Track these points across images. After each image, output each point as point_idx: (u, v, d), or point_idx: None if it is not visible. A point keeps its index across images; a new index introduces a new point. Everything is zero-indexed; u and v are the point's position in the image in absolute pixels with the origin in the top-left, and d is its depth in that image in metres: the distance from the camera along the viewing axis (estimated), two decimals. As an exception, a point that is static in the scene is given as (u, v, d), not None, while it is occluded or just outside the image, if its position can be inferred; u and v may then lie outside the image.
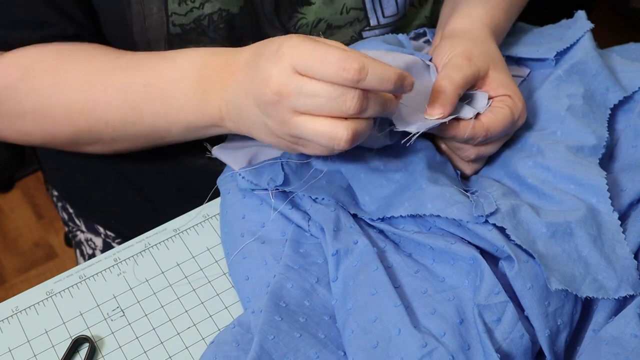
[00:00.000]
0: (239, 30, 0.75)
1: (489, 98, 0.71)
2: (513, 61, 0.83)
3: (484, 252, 0.65)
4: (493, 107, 0.70)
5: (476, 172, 0.75)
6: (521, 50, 0.82)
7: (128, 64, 0.72)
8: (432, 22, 0.87)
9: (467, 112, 0.68)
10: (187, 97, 0.69)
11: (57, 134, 0.75)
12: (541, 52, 0.80)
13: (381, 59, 0.66)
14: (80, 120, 0.73)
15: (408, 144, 0.65)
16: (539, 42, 0.83)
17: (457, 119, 0.67)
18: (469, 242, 0.65)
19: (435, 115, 0.66)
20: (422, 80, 0.72)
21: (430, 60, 0.73)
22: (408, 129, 0.65)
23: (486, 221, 0.64)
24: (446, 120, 0.66)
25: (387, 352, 0.59)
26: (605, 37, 0.99)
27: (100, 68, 0.72)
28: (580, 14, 0.82)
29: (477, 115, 0.69)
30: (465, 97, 0.71)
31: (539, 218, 0.65)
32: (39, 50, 0.73)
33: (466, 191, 0.68)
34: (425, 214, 0.65)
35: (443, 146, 0.73)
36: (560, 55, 0.80)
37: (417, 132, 0.64)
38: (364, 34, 0.82)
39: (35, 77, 0.72)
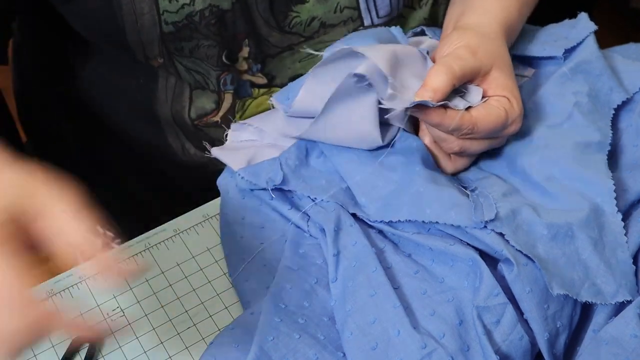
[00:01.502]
0: (231, 27, 0.75)
1: (486, 96, 0.69)
2: (518, 60, 0.82)
3: (483, 254, 0.64)
4: (487, 104, 0.68)
5: (457, 172, 0.73)
6: (527, 48, 0.81)
7: None
8: (430, 24, 0.87)
9: (458, 103, 0.66)
10: None
11: None
12: (548, 51, 0.80)
13: (381, 48, 0.66)
14: None
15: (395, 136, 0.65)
16: (544, 41, 0.82)
17: (446, 107, 0.65)
18: (468, 244, 0.65)
19: (425, 98, 0.64)
20: (416, 71, 0.69)
21: (428, 53, 0.72)
22: (394, 106, 0.63)
23: (485, 227, 0.64)
24: (434, 104, 0.64)
25: (387, 353, 0.59)
26: (605, 37, 0.99)
27: None
28: (583, 15, 0.82)
29: (468, 108, 0.67)
30: (460, 91, 0.69)
31: (540, 219, 0.65)
32: None
33: (465, 188, 0.67)
34: (424, 220, 0.65)
35: (427, 139, 0.71)
36: (567, 52, 0.79)
37: (402, 108, 0.63)
38: None
39: None
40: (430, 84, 0.64)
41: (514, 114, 0.69)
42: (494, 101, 0.68)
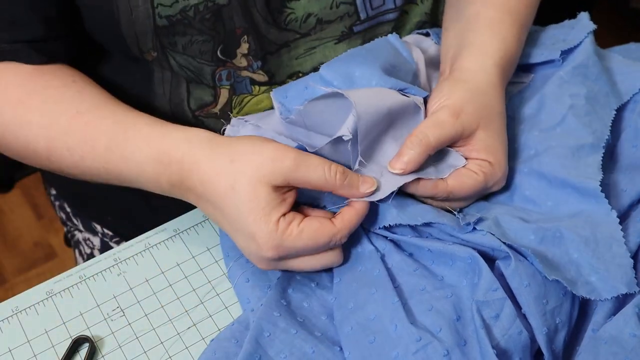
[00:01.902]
0: (228, 22, 0.75)
1: (469, 158, 0.69)
2: (517, 67, 0.82)
3: (480, 254, 0.65)
4: (466, 171, 0.68)
5: None
6: (526, 54, 0.81)
7: (88, 127, 0.71)
8: (432, 19, 0.87)
9: (432, 173, 0.67)
10: (153, 189, 0.70)
11: (20, 159, 0.77)
12: (546, 55, 0.80)
13: (375, 103, 0.65)
14: (44, 161, 0.74)
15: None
16: (543, 44, 0.82)
17: (419, 178, 0.66)
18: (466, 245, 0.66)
19: (395, 170, 0.65)
20: (410, 126, 0.70)
21: (426, 97, 0.71)
22: (374, 198, 0.65)
23: (474, 229, 0.65)
24: (407, 179, 0.65)
25: (384, 347, 0.59)
26: (605, 37, 0.99)
27: (63, 120, 0.72)
28: (583, 15, 0.82)
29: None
30: (441, 152, 0.69)
31: (525, 225, 0.65)
32: (10, 77, 0.74)
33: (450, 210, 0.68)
34: (417, 224, 0.65)
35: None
36: (565, 54, 0.79)
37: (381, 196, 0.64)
38: (355, 28, 0.81)
39: (2, 106, 0.73)
40: (402, 157, 0.65)
41: (495, 178, 0.69)
42: (474, 166, 0.68)
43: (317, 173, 0.62)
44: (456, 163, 0.68)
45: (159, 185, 0.68)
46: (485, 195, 0.72)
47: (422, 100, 0.71)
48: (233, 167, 0.63)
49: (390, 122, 0.68)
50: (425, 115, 0.70)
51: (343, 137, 0.65)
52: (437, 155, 0.68)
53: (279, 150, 0.63)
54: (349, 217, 0.64)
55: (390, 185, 0.65)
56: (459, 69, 0.73)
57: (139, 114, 0.72)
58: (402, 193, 0.67)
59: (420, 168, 0.66)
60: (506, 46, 0.75)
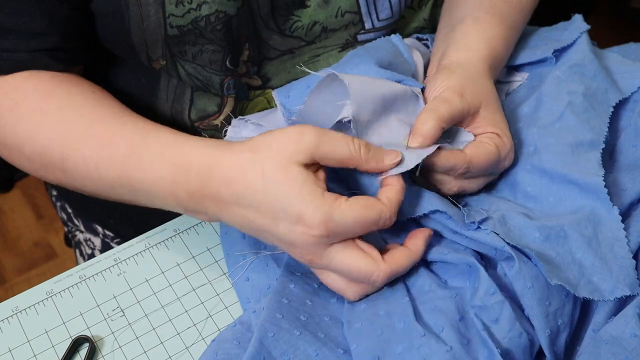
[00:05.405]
0: (236, 32, 0.75)
1: (477, 135, 0.69)
2: (512, 68, 0.82)
3: (482, 257, 0.65)
4: (479, 142, 0.69)
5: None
6: (519, 56, 0.81)
7: (107, 132, 0.69)
8: (431, 24, 0.87)
9: (448, 146, 0.67)
10: (167, 203, 0.67)
11: (37, 174, 0.75)
12: (539, 54, 0.80)
13: (369, 88, 0.65)
14: (59, 173, 0.72)
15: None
16: (536, 45, 0.82)
17: (439, 148, 0.66)
18: (465, 247, 0.65)
19: (414, 144, 0.65)
20: (409, 112, 0.70)
21: (423, 89, 0.71)
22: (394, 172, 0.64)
23: (479, 227, 0.65)
24: (428, 151, 0.64)
25: (390, 341, 0.60)
26: (605, 37, 0.99)
27: (80, 127, 0.70)
28: (577, 17, 0.82)
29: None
30: (451, 133, 0.69)
31: (531, 222, 0.65)
32: (30, 85, 0.72)
33: (456, 202, 0.68)
34: (424, 212, 0.65)
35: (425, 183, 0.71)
36: (558, 52, 0.79)
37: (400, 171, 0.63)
38: (359, 37, 0.82)
39: (20, 115, 0.71)
40: (419, 130, 0.65)
41: (506, 149, 0.69)
42: (485, 138, 0.69)
43: (341, 146, 0.61)
44: (467, 139, 0.69)
45: (175, 197, 0.65)
46: (489, 189, 0.72)
47: (419, 90, 0.71)
48: (256, 157, 0.61)
49: (390, 106, 0.68)
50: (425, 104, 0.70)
51: (343, 120, 0.64)
52: (447, 135, 0.68)
53: (298, 129, 0.61)
54: (391, 193, 0.62)
55: (411, 160, 0.64)
56: (448, 62, 0.74)
57: (158, 125, 0.70)
58: (409, 183, 0.67)
59: (436, 143, 0.66)
60: (493, 45, 0.75)
